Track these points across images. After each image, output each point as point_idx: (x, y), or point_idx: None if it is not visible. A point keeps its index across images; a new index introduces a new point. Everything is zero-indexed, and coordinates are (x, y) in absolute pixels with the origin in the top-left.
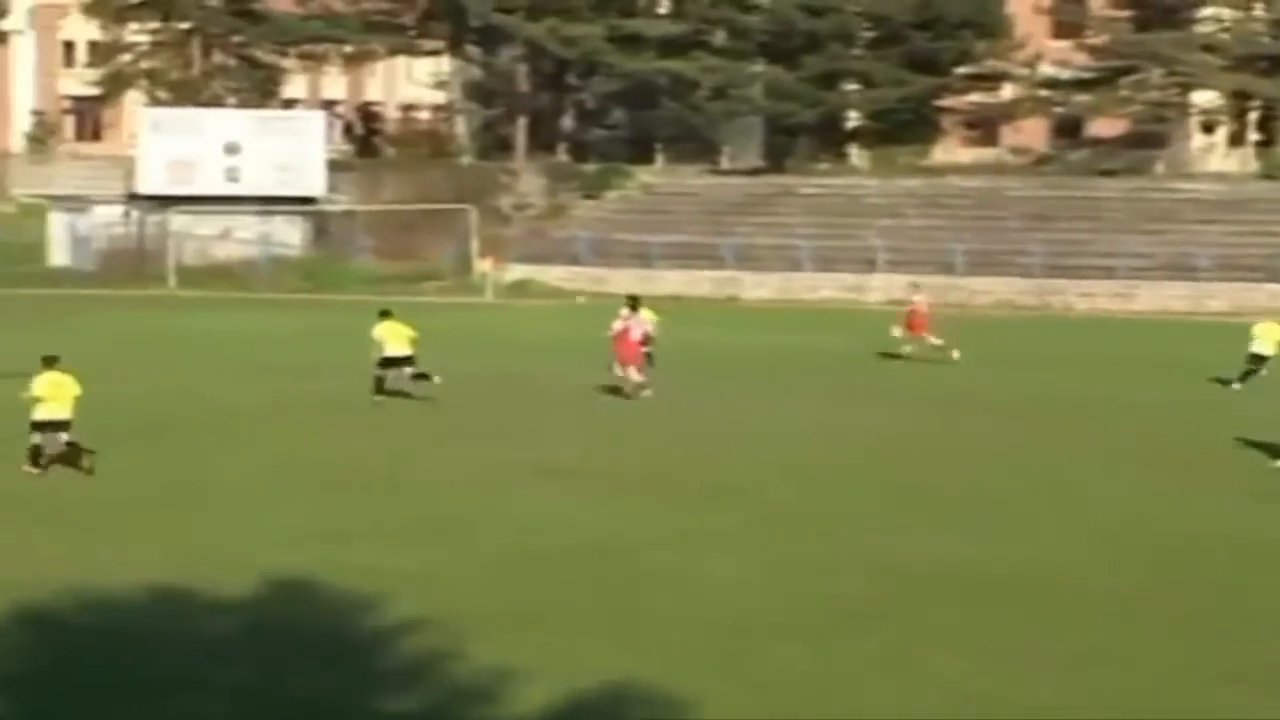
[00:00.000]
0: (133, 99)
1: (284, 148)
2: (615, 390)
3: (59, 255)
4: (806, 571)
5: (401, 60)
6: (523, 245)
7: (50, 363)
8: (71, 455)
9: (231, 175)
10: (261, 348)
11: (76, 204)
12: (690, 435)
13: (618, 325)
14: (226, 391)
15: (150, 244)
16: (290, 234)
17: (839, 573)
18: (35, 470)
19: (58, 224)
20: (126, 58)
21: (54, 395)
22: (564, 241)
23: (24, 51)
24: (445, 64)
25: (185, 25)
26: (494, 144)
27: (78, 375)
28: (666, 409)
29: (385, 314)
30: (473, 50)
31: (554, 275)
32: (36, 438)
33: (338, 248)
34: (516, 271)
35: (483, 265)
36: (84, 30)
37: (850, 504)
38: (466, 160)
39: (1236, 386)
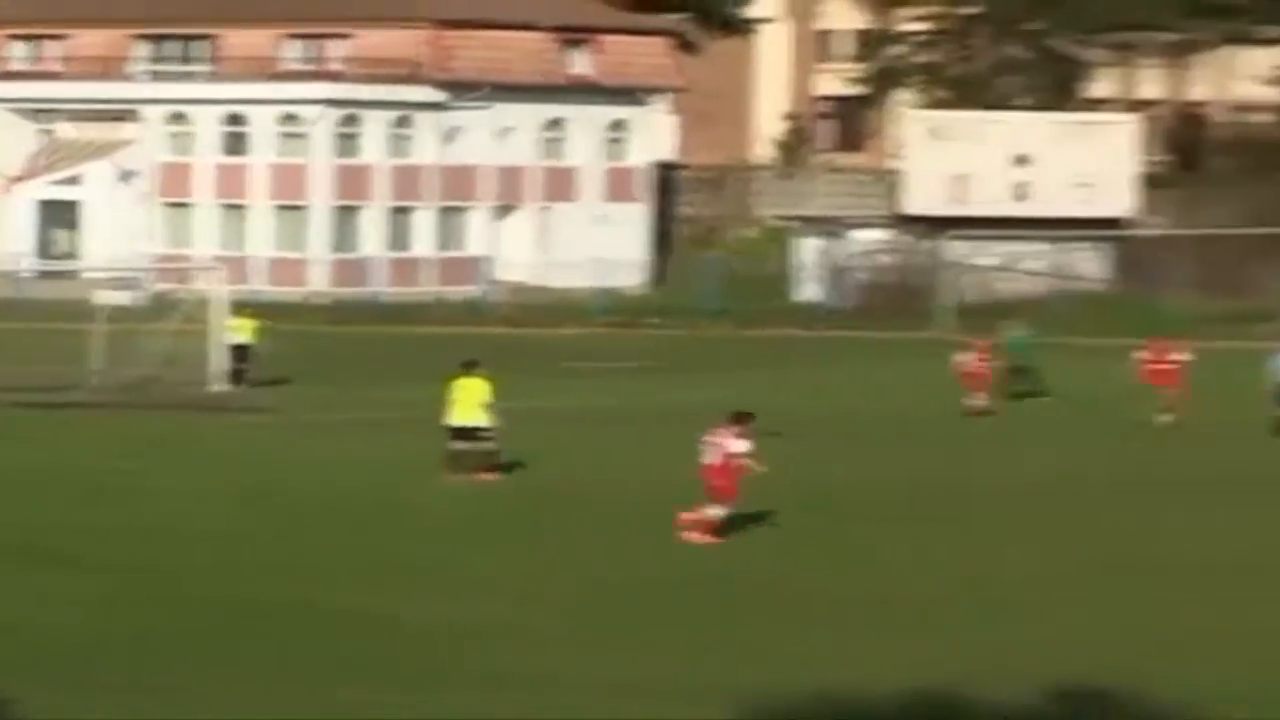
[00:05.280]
0: (900, 101)
1: (1086, 159)
2: None
3: (808, 289)
4: None
5: (1233, 52)
6: None
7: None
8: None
9: (1019, 193)
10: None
11: (831, 228)
12: None
13: None
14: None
15: (918, 277)
16: (1090, 265)
17: None
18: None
19: (808, 251)
20: (898, 50)
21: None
22: None
23: (775, 44)
24: None
25: (972, 11)
26: None
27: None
28: None
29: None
30: None
31: None
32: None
33: (1148, 282)
34: None
35: None
36: (847, 19)
37: None
38: None
39: None
